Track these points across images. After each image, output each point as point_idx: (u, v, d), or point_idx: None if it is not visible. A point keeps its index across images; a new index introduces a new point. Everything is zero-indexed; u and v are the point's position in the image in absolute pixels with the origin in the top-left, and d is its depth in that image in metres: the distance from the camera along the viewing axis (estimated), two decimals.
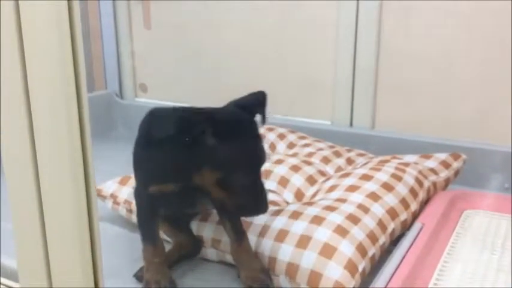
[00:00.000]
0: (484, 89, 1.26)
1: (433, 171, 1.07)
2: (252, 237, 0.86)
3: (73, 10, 0.50)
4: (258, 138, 0.80)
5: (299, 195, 1.03)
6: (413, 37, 1.32)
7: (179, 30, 1.64)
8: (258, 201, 0.77)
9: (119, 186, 1.06)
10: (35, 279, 0.64)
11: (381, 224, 0.87)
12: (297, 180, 1.05)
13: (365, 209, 0.88)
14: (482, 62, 1.25)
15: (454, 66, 1.29)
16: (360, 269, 0.78)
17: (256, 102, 0.83)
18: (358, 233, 0.83)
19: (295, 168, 1.08)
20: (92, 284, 0.64)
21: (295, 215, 0.87)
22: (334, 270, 0.76)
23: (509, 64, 1.20)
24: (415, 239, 0.85)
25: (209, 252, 0.92)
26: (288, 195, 1.03)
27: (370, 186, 0.95)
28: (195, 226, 0.94)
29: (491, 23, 1.22)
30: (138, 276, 0.86)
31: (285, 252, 0.81)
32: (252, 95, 0.84)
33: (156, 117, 0.81)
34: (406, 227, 0.92)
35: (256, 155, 0.79)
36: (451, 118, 1.31)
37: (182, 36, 1.65)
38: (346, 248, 0.79)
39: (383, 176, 0.98)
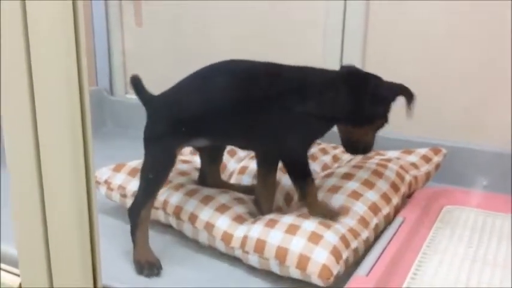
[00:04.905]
0: (468, 89, 1.29)
1: (414, 165, 1.11)
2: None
3: (77, 9, 0.53)
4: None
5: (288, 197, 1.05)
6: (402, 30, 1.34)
7: (170, 28, 1.67)
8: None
9: (113, 173, 1.10)
10: (36, 270, 0.67)
11: (363, 220, 0.91)
12: (288, 181, 1.06)
13: (346, 210, 0.92)
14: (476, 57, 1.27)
15: (443, 62, 1.31)
16: (344, 257, 0.83)
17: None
18: (340, 228, 0.87)
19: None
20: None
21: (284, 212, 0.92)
22: (321, 255, 0.81)
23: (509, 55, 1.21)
24: (396, 232, 0.89)
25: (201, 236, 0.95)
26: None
27: (351, 185, 0.98)
28: (192, 205, 0.96)
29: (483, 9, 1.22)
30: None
31: (275, 237, 0.85)
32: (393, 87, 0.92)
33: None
34: (389, 220, 0.96)
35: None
36: (438, 119, 1.33)
37: (173, 34, 1.67)
38: (331, 237, 0.84)
39: (364, 173, 1.01)
